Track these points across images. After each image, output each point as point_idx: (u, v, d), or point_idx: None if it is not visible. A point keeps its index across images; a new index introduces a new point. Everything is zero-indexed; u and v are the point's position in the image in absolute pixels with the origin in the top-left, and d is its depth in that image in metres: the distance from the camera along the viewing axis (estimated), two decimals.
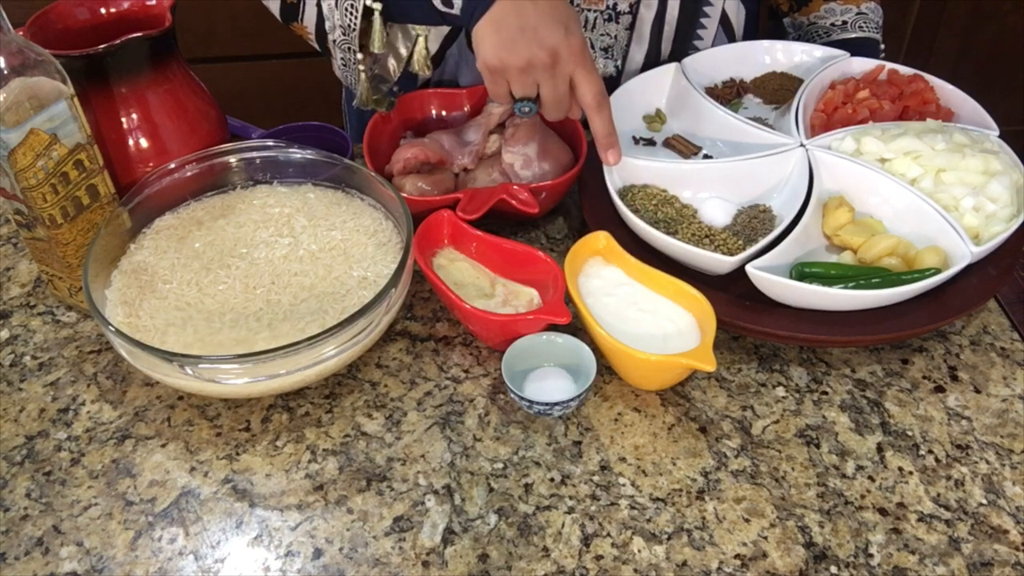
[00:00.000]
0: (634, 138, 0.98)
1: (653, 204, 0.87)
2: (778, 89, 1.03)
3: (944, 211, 0.82)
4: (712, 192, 0.89)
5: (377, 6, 0.86)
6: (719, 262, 0.80)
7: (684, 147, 0.96)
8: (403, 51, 0.95)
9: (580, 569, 0.66)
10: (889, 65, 1.00)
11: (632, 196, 0.88)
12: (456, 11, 0.82)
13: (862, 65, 1.01)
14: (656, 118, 1.01)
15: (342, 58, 0.92)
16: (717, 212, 0.87)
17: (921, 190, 0.85)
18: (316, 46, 0.94)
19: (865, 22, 1.09)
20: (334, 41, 0.91)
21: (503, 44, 0.78)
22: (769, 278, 0.77)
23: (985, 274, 0.80)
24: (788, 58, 1.05)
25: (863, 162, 0.87)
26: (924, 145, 0.87)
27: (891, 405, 0.77)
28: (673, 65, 1.00)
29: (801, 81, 1.01)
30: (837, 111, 0.95)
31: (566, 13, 0.78)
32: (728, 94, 1.03)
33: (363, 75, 0.92)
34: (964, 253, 0.79)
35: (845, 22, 1.09)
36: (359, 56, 0.90)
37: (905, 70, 0.99)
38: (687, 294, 0.77)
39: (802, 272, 0.80)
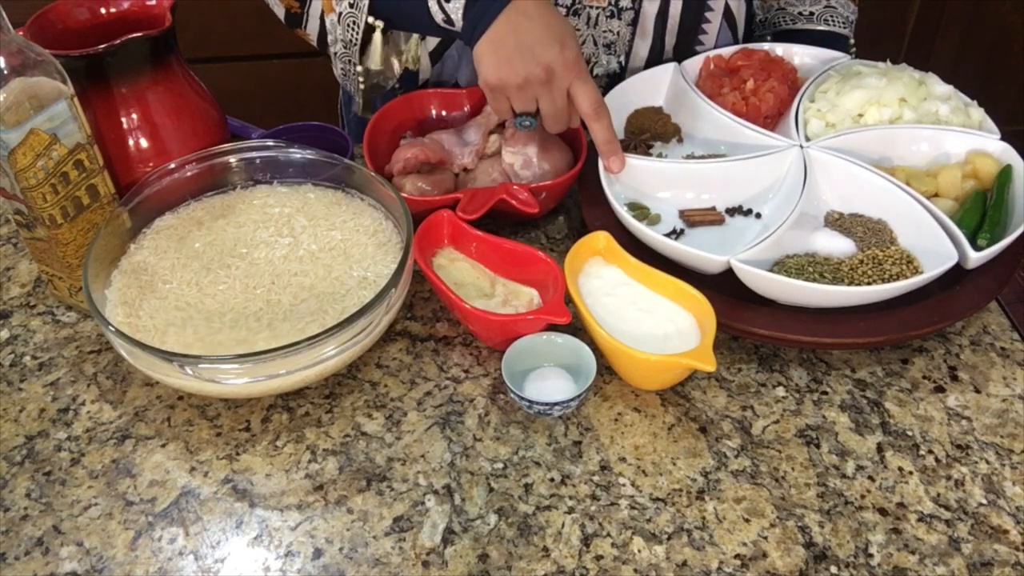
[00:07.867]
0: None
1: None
2: None
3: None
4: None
5: (379, 24, 0.88)
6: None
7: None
8: (404, 48, 0.97)
9: (580, 569, 0.66)
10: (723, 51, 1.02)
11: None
12: (457, 28, 0.85)
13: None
14: None
15: (342, 68, 0.95)
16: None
17: (908, 123, 0.89)
18: (319, 49, 0.96)
19: (833, 16, 1.08)
20: (335, 53, 0.93)
21: (501, 63, 0.81)
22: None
23: (987, 276, 0.80)
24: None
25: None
26: (870, 89, 0.90)
27: (891, 405, 0.77)
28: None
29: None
30: (750, 108, 0.95)
31: (562, 29, 0.81)
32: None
33: (361, 87, 0.95)
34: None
35: (812, 13, 1.08)
36: (358, 69, 0.93)
37: (729, 50, 1.01)
38: (687, 294, 0.77)
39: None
